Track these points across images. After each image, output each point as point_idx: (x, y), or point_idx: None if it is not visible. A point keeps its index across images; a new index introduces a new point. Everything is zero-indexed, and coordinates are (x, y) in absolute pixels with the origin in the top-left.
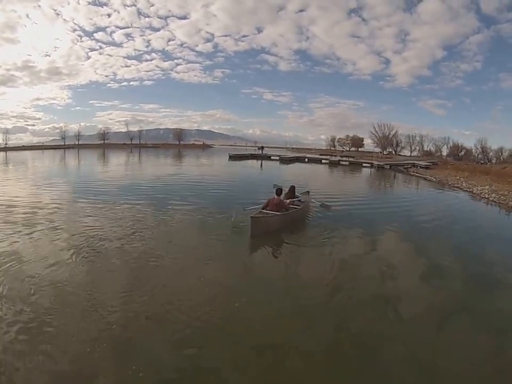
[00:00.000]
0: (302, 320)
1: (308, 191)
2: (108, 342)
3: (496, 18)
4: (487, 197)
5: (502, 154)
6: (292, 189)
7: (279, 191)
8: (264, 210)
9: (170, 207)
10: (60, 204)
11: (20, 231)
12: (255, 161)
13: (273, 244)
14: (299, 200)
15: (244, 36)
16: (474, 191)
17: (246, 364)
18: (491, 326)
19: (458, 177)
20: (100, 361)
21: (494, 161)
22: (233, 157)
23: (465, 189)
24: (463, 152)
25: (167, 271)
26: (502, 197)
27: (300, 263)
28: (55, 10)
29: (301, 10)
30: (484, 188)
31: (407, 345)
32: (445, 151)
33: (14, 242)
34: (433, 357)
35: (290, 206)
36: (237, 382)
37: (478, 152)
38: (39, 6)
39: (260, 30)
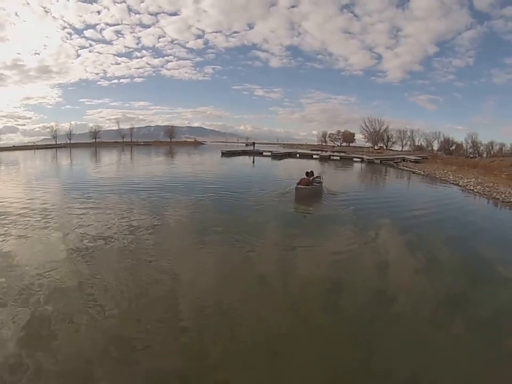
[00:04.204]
0: (301, 312)
1: (321, 175)
2: (107, 341)
3: (489, 14)
4: (472, 189)
5: (492, 148)
6: (312, 172)
7: (307, 174)
8: (298, 185)
9: (167, 208)
10: (53, 204)
11: (13, 232)
12: (247, 157)
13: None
14: (317, 180)
15: (235, 32)
16: (460, 184)
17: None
18: (483, 317)
19: (446, 171)
20: (99, 361)
21: (484, 155)
22: (225, 154)
23: (452, 182)
24: (453, 147)
25: (164, 269)
26: (486, 189)
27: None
28: (44, 7)
29: (293, 6)
30: (469, 180)
31: (402, 336)
32: (436, 146)
33: (7, 242)
34: (428, 348)
35: (313, 183)
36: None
37: (468, 146)
38: (28, 3)
39: (251, 26)
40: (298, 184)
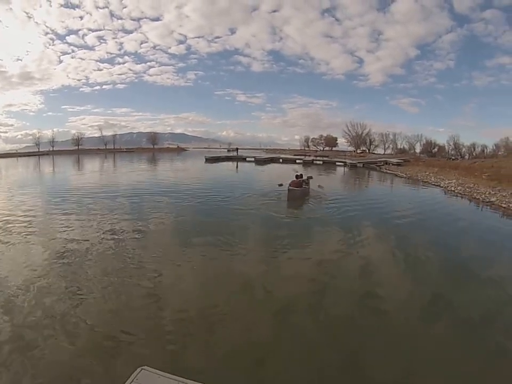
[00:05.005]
0: (286, 316)
1: (311, 176)
2: (90, 348)
3: (469, 17)
4: (453, 190)
5: (474, 150)
6: (301, 175)
7: (297, 177)
8: (290, 187)
9: (152, 215)
10: (36, 213)
11: None
12: (230, 163)
13: (295, 210)
14: (305, 182)
15: (217, 37)
16: (441, 185)
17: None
18: (469, 317)
19: (428, 173)
20: (81, 368)
21: (466, 156)
22: (209, 160)
23: (433, 183)
24: (436, 149)
25: (149, 276)
26: (467, 190)
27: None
28: (27, 13)
29: (274, 11)
30: (451, 182)
31: (390, 337)
32: (418, 148)
33: None
34: (415, 348)
35: (303, 185)
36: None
37: (450, 148)
38: (11, 8)
39: (232, 31)
40: (289, 185)
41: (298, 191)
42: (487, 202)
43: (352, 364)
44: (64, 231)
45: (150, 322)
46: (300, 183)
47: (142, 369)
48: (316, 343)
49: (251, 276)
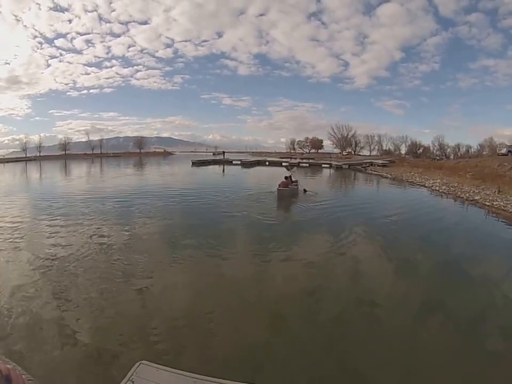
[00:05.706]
0: (278, 322)
1: (297, 180)
2: (79, 362)
3: (454, 20)
4: (437, 189)
5: (459, 150)
6: (290, 176)
7: (286, 178)
8: (279, 188)
9: (140, 221)
10: (23, 220)
11: None
12: (217, 166)
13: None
14: (294, 183)
15: (204, 41)
16: (426, 185)
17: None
18: (462, 318)
19: (412, 173)
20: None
21: (452, 157)
22: (196, 163)
23: (418, 183)
24: (421, 150)
25: (136, 284)
26: (451, 189)
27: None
28: (15, 16)
29: (261, 14)
30: (435, 181)
31: (383, 343)
32: (403, 149)
33: None
34: (409, 352)
35: (291, 186)
36: None
37: (435, 149)
38: (0, 12)
39: (220, 35)
40: (278, 186)
41: (287, 191)
42: (471, 200)
43: (351, 364)
44: (50, 240)
45: (142, 328)
46: (288, 183)
47: (141, 363)
48: (312, 345)
49: (242, 279)
